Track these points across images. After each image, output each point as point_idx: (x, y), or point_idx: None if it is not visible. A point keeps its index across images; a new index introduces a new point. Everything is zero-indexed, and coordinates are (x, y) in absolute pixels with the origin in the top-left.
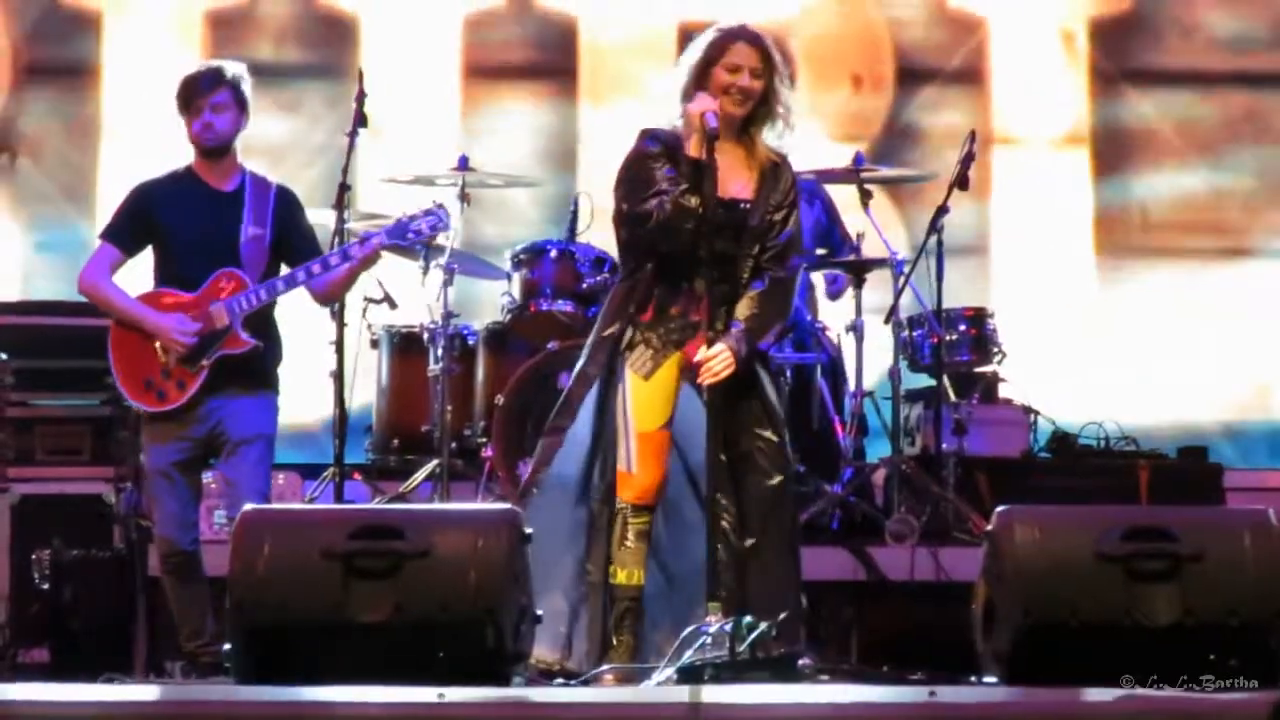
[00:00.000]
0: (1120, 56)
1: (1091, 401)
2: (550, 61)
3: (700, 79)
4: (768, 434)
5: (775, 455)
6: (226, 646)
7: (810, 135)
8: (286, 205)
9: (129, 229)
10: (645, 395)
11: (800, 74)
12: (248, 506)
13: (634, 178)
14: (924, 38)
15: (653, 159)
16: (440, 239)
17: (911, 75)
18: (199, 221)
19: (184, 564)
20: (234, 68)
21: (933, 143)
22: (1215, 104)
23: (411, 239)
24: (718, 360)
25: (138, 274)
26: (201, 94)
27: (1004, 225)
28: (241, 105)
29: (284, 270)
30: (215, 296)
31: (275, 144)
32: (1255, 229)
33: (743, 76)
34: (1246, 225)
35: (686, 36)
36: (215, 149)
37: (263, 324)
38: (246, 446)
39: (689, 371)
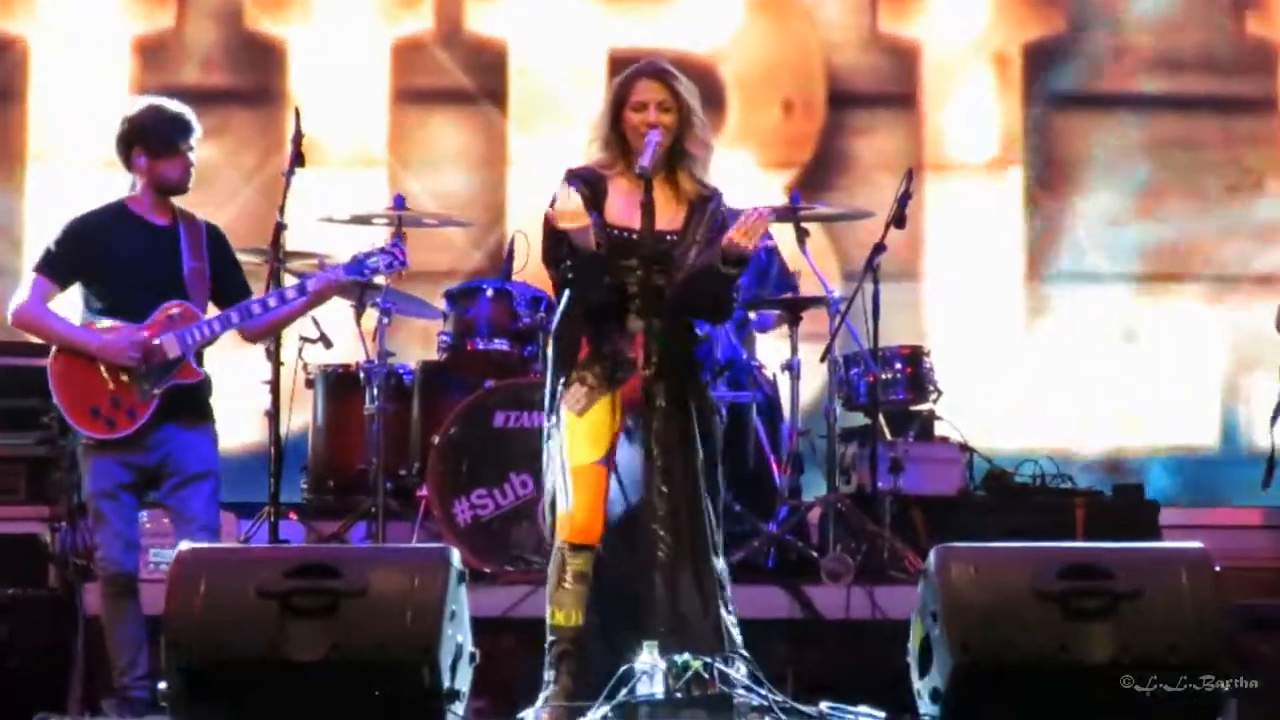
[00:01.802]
0: (1053, 81)
1: (1023, 430)
2: (480, 87)
3: (614, 123)
4: (698, 477)
5: (704, 497)
6: (162, 685)
7: (741, 162)
8: (218, 241)
9: (65, 262)
10: (578, 431)
11: (731, 99)
12: (183, 545)
13: (553, 228)
14: (856, 62)
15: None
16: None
17: (843, 100)
18: (142, 255)
19: (128, 587)
20: (184, 112)
21: (865, 168)
22: (1147, 128)
23: (368, 275)
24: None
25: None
26: (185, 138)
27: (936, 251)
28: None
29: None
30: (165, 327)
31: (203, 169)
32: (1188, 254)
33: (650, 112)
34: (1180, 250)
35: (616, 63)
36: (175, 191)
37: (198, 357)
38: (200, 483)
39: (629, 410)
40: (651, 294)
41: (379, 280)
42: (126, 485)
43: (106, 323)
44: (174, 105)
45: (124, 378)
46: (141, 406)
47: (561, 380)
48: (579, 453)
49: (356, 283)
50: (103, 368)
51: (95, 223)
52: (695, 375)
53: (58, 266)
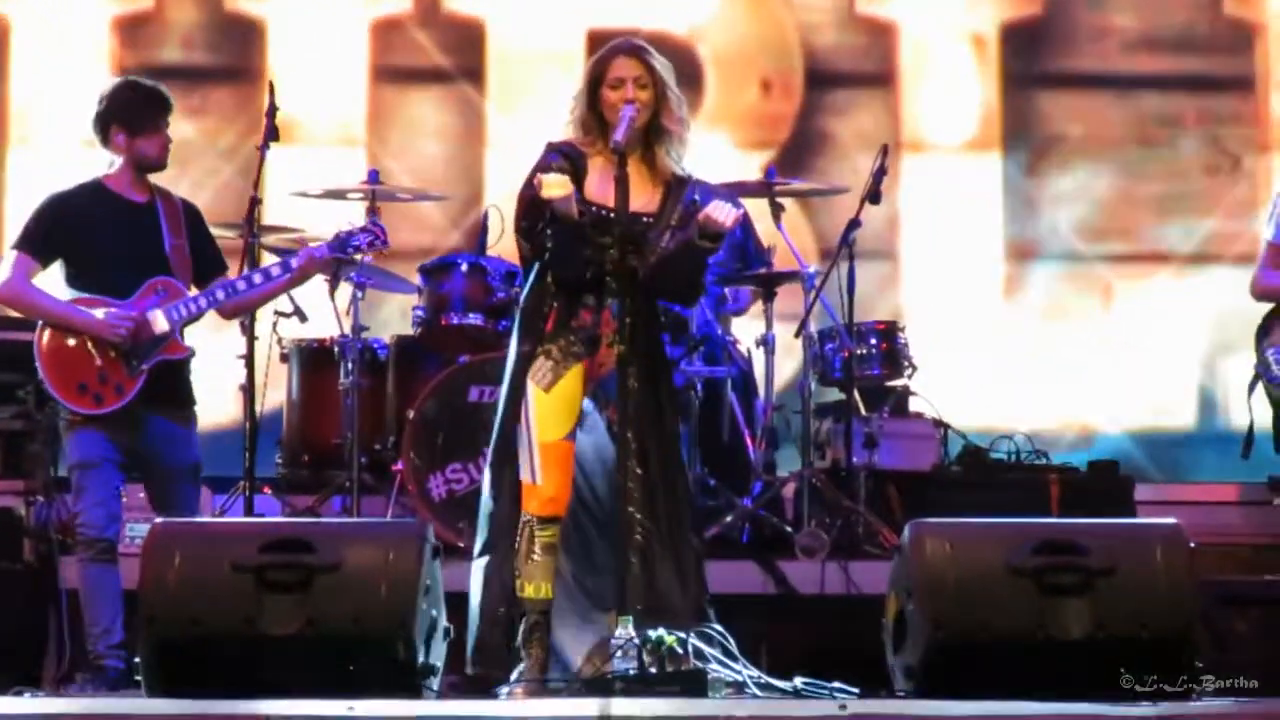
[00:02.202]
0: (1031, 60)
1: (999, 408)
2: (458, 66)
3: (591, 102)
4: (672, 455)
5: (677, 474)
6: (137, 659)
7: (719, 141)
8: (195, 219)
9: (46, 239)
10: (546, 406)
11: (709, 79)
12: (158, 520)
13: (533, 204)
14: (834, 42)
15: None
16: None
17: (821, 80)
18: (122, 232)
19: (108, 553)
20: (160, 89)
21: (842, 148)
22: (1126, 107)
23: (350, 253)
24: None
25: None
26: (164, 114)
27: (913, 230)
28: (169, 124)
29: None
30: (152, 303)
31: (182, 146)
32: (1166, 233)
33: (627, 89)
34: (1157, 229)
35: (595, 42)
36: (152, 169)
37: (180, 334)
38: (185, 481)
39: (591, 387)
40: (624, 275)
41: (360, 258)
42: (111, 459)
43: (92, 299)
44: (149, 82)
45: (111, 354)
46: (129, 382)
47: (525, 350)
48: (547, 428)
49: (339, 260)
50: (90, 344)
51: (74, 200)
52: (664, 354)
53: (38, 244)
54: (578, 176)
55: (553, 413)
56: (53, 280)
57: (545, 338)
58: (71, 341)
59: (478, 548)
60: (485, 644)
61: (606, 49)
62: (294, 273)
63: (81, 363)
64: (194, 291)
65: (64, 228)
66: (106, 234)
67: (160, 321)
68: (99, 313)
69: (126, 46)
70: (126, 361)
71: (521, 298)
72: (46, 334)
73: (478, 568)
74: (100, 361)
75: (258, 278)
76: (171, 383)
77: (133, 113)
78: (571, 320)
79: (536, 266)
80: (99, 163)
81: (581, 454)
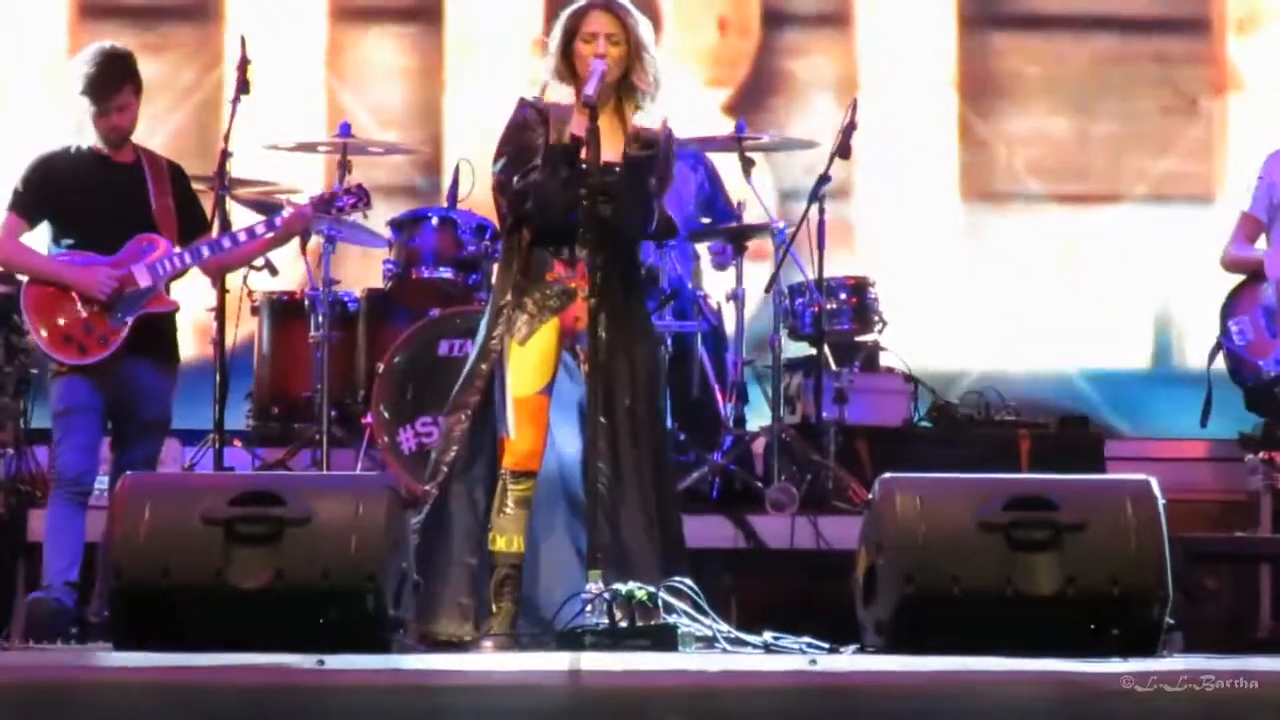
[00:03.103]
0: (987, 0)
1: (956, 351)
2: (416, 4)
3: (565, 54)
4: (640, 407)
5: (646, 426)
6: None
7: (677, 79)
8: (180, 178)
9: (34, 200)
10: (521, 360)
11: (667, 18)
12: (128, 473)
13: (513, 151)
14: None
15: (530, 128)
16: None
17: (777, 19)
18: (109, 192)
19: (82, 496)
20: (126, 58)
21: (800, 87)
22: (1083, 49)
23: (335, 214)
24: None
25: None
26: (107, 98)
27: (869, 172)
28: (138, 92)
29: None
30: (137, 258)
31: (143, 86)
32: (1122, 175)
33: (599, 43)
34: (1113, 171)
35: None
36: (120, 142)
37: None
38: (151, 435)
39: (569, 341)
40: (596, 224)
41: (345, 218)
42: (95, 409)
43: (78, 256)
44: (111, 50)
45: (96, 307)
46: (114, 334)
47: (499, 305)
48: (521, 382)
49: (322, 217)
50: (76, 296)
51: (61, 161)
52: (638, 304)
53: (26, 204)
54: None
55: (528, 366)
56: (39, 239)
57: (520, 291)
58: (57, 294)
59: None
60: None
61: (584, 3)
62: (279, 231)
63: (67, 314)
64: (179, 249)
65: (51, 188)
66: (93, 194)
67: (145, 276)
68: (86, 269)
69: None
70: (111, 313)
71: (499, 252)
72: (33, 288)
73: (413, 523)
74: (85, 314)
75: (242, 235)
76: (156, 335)
77: (94, 88)
78: (546, 274)
79: (511, 220)
80: (54, 103)
81: (572, 409)
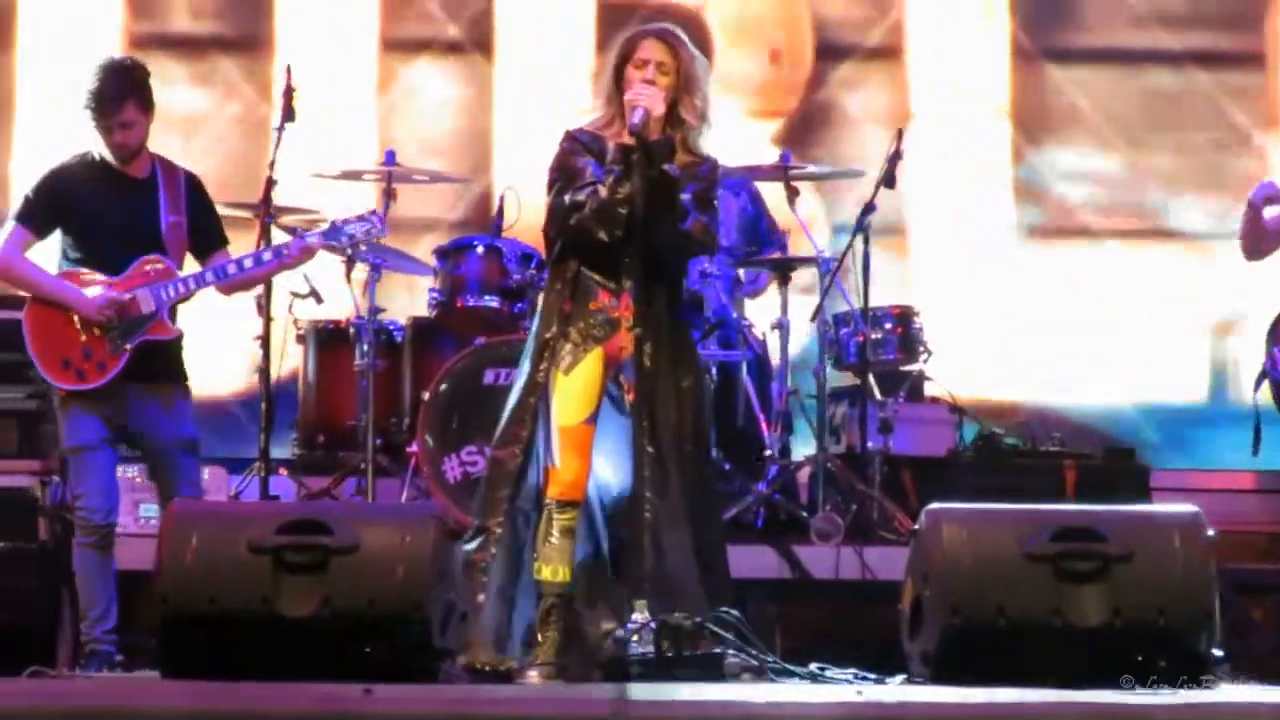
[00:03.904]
0: (1041, 33)
1: (1009, 385)
2: (467, 36)
3: (617, 79)
4: (686, 436)
5: (691, 456)
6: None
7: (728, 110)
8: (197, 193)
9: (42, 212)
10: (566, 389)
11: (718, 48)
12: (175, 502)
13: (565, 174)
14: (843, 12)
15: (578, 155)
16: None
17: (830, 50)
18: (118, 207)
19: (106, 539)
20: (133, 71)
21: (851, 119)
22: (1136, 82)
23: (344, 242)
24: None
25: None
26: (108, 114)
27: (920, 204)
28: (148, 109)
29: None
30: (140, 281)
31: (191, 116)
32: (1175, 209)
33: (648, 70)
34: (1167, 205)
35: (604, 13)
36: (128, 158)
37: (172, 313)
38: (180, 456)
39: (613, 370)
40: (641, 254)
41: (356, 247)
42: (105, 438)
43: (83, 274)
44: (108, 71)
45: (96, 331)
46: (112, 360)
47: (544, 335)
48: (566, 411)
49: (333, 248)
50: (76, 319)
51: (72, 173)
52: (683, 333)
53: (35, 216)
54: (599, 159)
55: (573, 395)
56: (51, 249)
57: (565, 320)
58: (57, 316)
59: (468, 533)
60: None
61: (640, 29)
62: (285, 260)
63: (66, 338)
64: (187, 271)
65: (61, 201)
66: (102, 208)
67: (148, 301)
68: (89, 291)
69: (136, 16)
70: (111, 339)
71: (545, 282)
72: (34, 308)
73: (462, 552)
74: (85, 338)
75: (248, 262)
76: (157, 360)
77: (95, 102)
78: (590, 303)
79: (558, 250)
80: (93, 142)
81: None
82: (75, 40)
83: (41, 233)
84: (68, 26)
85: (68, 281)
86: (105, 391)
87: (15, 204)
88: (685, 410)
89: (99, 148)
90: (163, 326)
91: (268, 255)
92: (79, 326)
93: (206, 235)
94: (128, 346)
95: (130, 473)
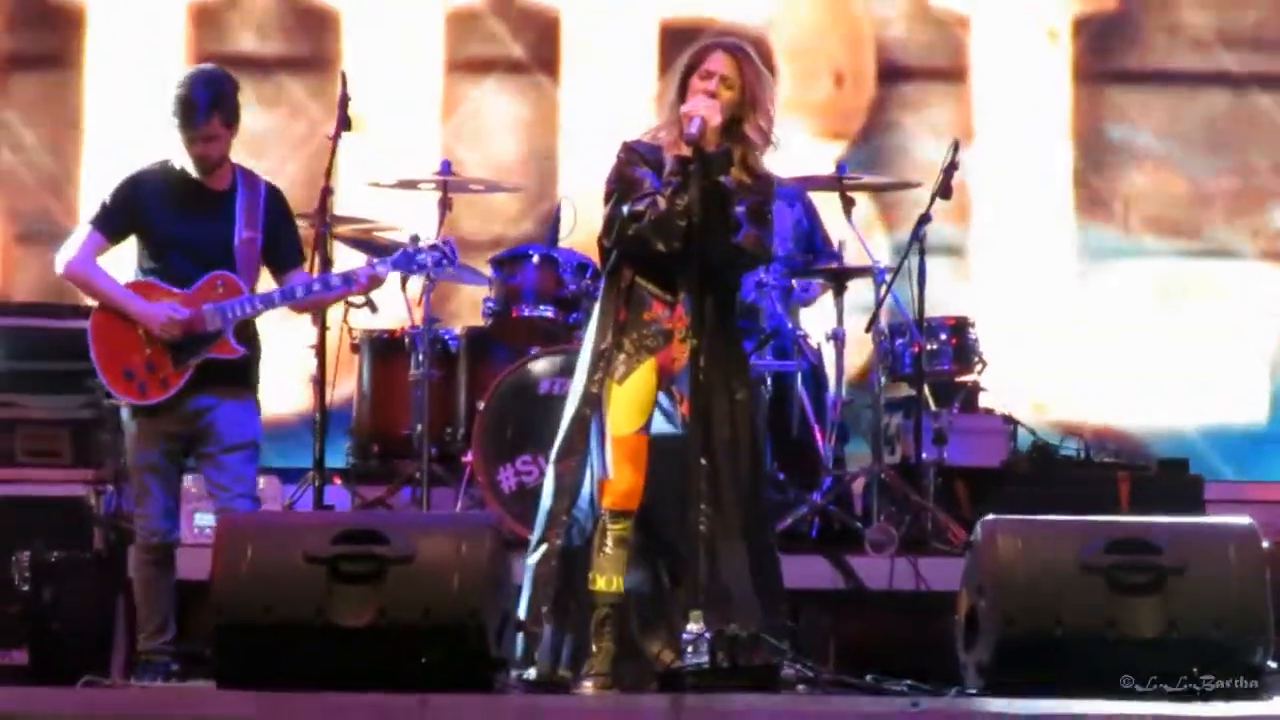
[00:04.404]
0: (1104, 56)
1: (1069, 404)
2: (532, 57)
3: (682, 88)
4: (740, 449)
5: (746, 468)
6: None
7: (792, 131)
8: (277, 207)
9: (117, 219)
10: (619, 399)
11: (782, 70)
12: (229, 511)
13: (623, 184)
14: (906, 35)
15: (636, 166)
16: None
17: (893, 73)
18: (192, 220)
19: (168, 556)
20: (221, 83)
21: (914, 141)
22: (1198, 105)
23: (415, 271)
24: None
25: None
26: (192, 125)
27: (984, 224)
28: (232, 122)
29: (265, 274)
30: (208, 298)
31: (257, 137)
32: (1236, 230)
33: (712, 83)
34: (1228, 226)
35: (668, 34)
36: (209, 170)
37: (246, 326)
38: (236, 453)
39: (666, 381)
40: (695, 267)
41: (428, 276)
42: (168, 454)
43: (153, 286)
44: (196, 80)
45: (160, 345)
46: (175, 376)
47: (599, 346)
48: (620, 421)
49: (403, 276)
50: (141, 332)
51: (150, 181)
52: (736, 346)
53: (109, 222)
54: (656, 171)
55: (626, 405)
56: (127, 256)
57: (619, 331)
58: (123, 326)
59: (530, 546)
60: (530, 642)
61: (710, 41)
62: (354, 288)
63: (131, 350)
64: (260, 288)
65: (135, 208)
66: (175, 220)
67: (214, 319)
68: (155, 305)
69: (202, 35)
70: (175, 355)
71: (600, 293)
72: (101, 316)
73: (527, 567)
74: (149, 351)
75: (317, 286)
76: (225, 374)
77: (180, 111)
78: (644, 313)
79: (614, 261)
80: (174, 152)
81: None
82: (141, 59)
83: (115, 239)
84: (134, 45)
85: (136, 293)
86: (167, 405)
87: (93, 208)
88: (739, 424)
89: (181, 157)
90: (226, 345)
91: (337, 280)
92: (144, 339)
93: (282, 251)
94: (191, 364)
95: (185, 481)
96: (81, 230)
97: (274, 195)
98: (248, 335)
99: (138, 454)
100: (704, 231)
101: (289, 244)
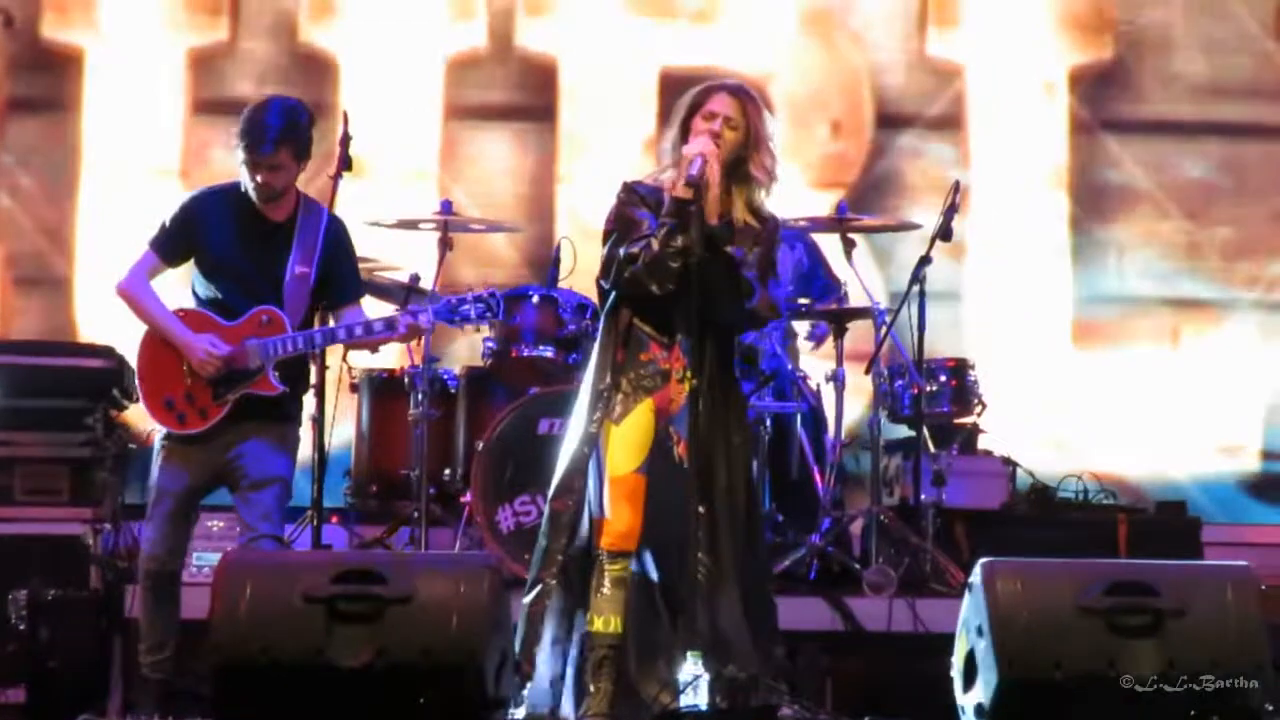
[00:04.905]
0: (1099, 106)
1: (1066, 451)
2: (531, 104)
3: (684, 129)
4: (738, 494)
5: (743, 513)
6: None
7: (789, 180)
8: (335, 241)
9: (173, 241)
10: (617, 439)
11: (780, 119)
12: (228, 550)
13: (622, 225)
14: (903, 84)
15: (635, 206)
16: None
17: (891, 122)
18: (246, 250)
19: (161, 585)
20: (297, 115)
21: (911, 189)
22: (1193, 154)
23: (458, 322)
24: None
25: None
26: (258, 153)
27: (980, 272)
28: (302, 157)
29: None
30: (252, 333)
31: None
32: (1233, 279)
33: (716, 123)
34: (1224, 275)
35: (667, 82)
36: (270, 199)
37: (293, 362)
38: (264, 490)
39: (663, 422)
40: (694, 308)
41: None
42: (190, 487)
43: (201, 316)
44: (270, 110)
45: (201, 376)
46: (214, 409)
47: (596, 386)
48: (617, 461)
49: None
50: (185, 362)
51: (211, 204)
52: (734, 388)
53: (166, 243)
54: (656, 212)
55: (623, 445)
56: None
57: (617, 371)
58: (169, 354)
59: (526, 585)
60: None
61: (714, 82)
62: (395, 336)
63: (173, 379)
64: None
65: (193, 230)
66: (230, 247)
67: (255, 355)
68: (199, 338)
69: (201, 80)
70: (214, 388)
71: (599, 332)
72: (149, 340)
73: (522, 605)
74: (190, 381)
75: (359, 330)
76: (262, 405)
77: (248, 137)
78: (641, 354)
79: (612, 302)
80: (169, 196)
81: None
82: (139, 104)
83: (171, 261)
84: (132, 90)
85: (183, 322)
86: (203, 437)
87: (152, 230)
88: (736, 469)
89: (244, 182)
90: (266, 382)
91: (379, 325)
92: (186, 370)
93: (335, 286)
94: (229, 398)
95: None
96: (140, 250)
97: (334, 226)
98: (294, 371)
99: (161, 476)
100: (716, 300)
101: (344, 280)
